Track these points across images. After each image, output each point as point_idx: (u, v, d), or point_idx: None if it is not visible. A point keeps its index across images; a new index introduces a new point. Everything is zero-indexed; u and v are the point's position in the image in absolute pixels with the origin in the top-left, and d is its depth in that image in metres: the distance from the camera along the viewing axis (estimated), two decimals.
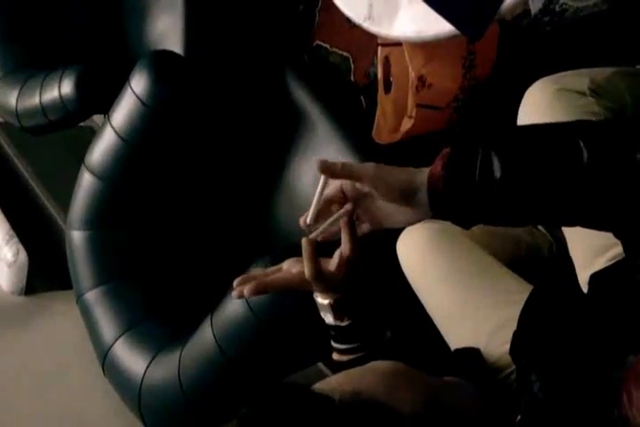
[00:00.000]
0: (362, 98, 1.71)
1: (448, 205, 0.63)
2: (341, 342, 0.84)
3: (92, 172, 1.55)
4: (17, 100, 1.74)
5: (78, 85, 1.61)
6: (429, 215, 0.66)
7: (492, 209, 0.62)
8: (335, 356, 0.86)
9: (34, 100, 1.70)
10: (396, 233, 1.05)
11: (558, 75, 0.92)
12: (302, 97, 1.47)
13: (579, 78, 0.89)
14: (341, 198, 0.71)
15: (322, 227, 0.71)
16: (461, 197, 0.61)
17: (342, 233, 0.73)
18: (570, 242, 0.88)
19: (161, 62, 1.50)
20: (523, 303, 0.83)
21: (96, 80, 1.66)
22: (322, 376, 0.70)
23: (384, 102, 1.43)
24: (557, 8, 1.24)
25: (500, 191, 0.60)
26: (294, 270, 0.80)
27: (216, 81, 1.57)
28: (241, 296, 0.78)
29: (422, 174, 0.64)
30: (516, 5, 0.89)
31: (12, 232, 1.97)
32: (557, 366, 0.65)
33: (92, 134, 1.64)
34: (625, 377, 0.53)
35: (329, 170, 0.67)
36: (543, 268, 1.12)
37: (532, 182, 0.59)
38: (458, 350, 0.92)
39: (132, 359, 1.47)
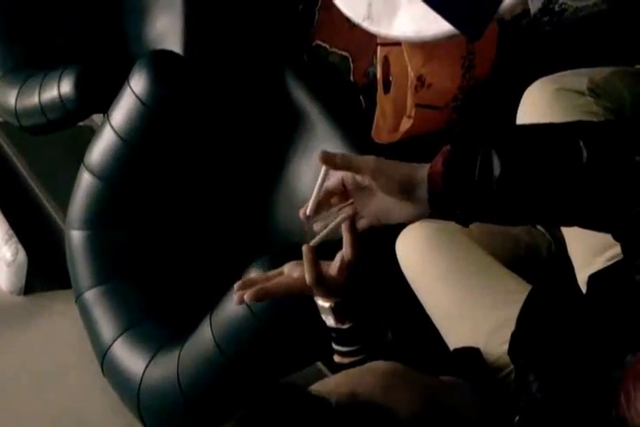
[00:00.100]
0: (361, 98, 1.71)
1: (447, 202, 0.63)
2: (343, 345, 0.84)
3: (91, 171, 1.55)
4: (16, 99, 1.74)
5: (78, 85, 1.61)
6: (429, 211, 0.66)
7: (490, 207, 0.62)
8: (336, 358, 0.85)
9: (33, 100, 1.70)
10: (394, 232, 1.05)
11: (557, 74, 0.92)
12: (301, 97, 1.47)
13: (578, 78, 0.89)
14: (342, 191, 0.71)
15: (323, 233, 0.71)
16: (460, 194, 0.62)
17: (344, 237, 0.73)
18: (569, 241, 0.88)
19: (160, 62, 1.50)
20: (521, 303, 0.83)
21: (95, 80, 1.66)
22: (321, 376, 0.70)
23: (383, 102, 1.43)
24: (557, 8, 1.24)
25: (498, 189, 0.60)
26: (295, 275, 0.79)
27: (215, 81, 1.57)
28: (241, 301, 0.77)
29: (424, 170, 0.64)
30: (516, 5, 0.89)
31: (11, 232, 1.97)
32: (556, 366, 0.65)
33: (91, 134, 1.63)
34: (623, 377, 0.53)
35: (330, 161, 0.67)
36: (542, 267, 1.11)
37: (531, 181, 0.59)
38: (457, 350, 0.92)
39: (131, 359, 1.47)
